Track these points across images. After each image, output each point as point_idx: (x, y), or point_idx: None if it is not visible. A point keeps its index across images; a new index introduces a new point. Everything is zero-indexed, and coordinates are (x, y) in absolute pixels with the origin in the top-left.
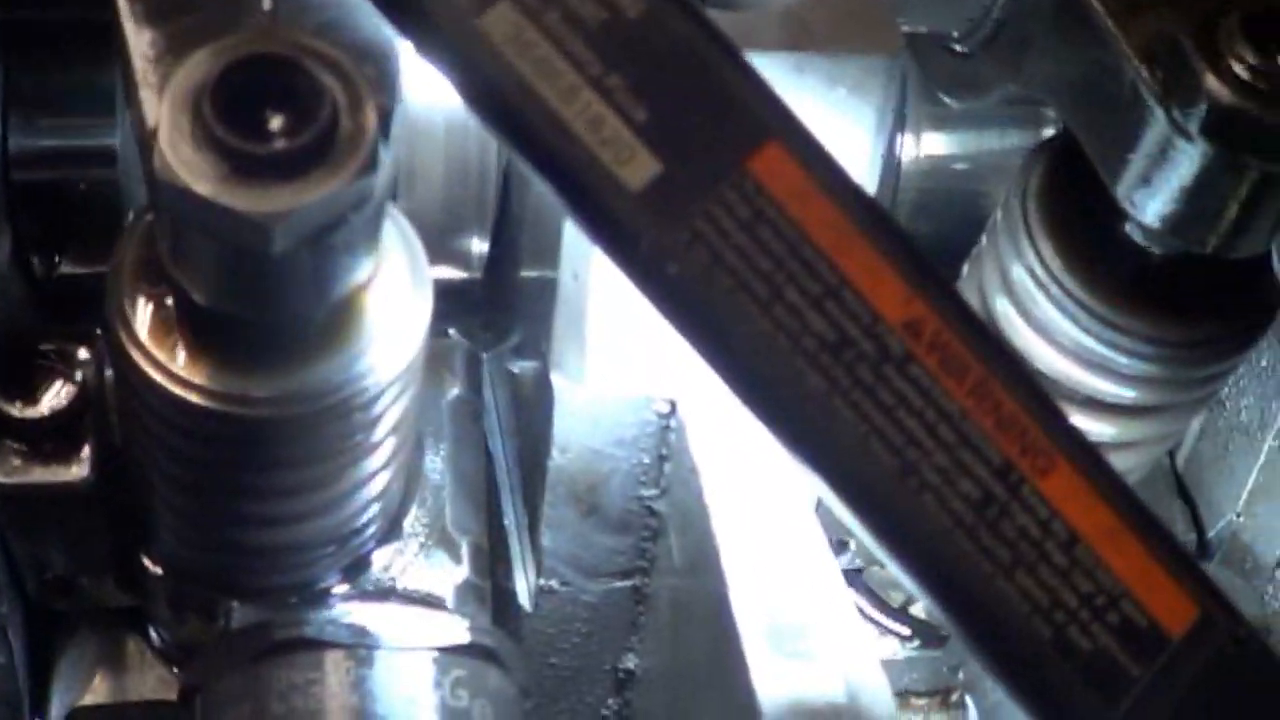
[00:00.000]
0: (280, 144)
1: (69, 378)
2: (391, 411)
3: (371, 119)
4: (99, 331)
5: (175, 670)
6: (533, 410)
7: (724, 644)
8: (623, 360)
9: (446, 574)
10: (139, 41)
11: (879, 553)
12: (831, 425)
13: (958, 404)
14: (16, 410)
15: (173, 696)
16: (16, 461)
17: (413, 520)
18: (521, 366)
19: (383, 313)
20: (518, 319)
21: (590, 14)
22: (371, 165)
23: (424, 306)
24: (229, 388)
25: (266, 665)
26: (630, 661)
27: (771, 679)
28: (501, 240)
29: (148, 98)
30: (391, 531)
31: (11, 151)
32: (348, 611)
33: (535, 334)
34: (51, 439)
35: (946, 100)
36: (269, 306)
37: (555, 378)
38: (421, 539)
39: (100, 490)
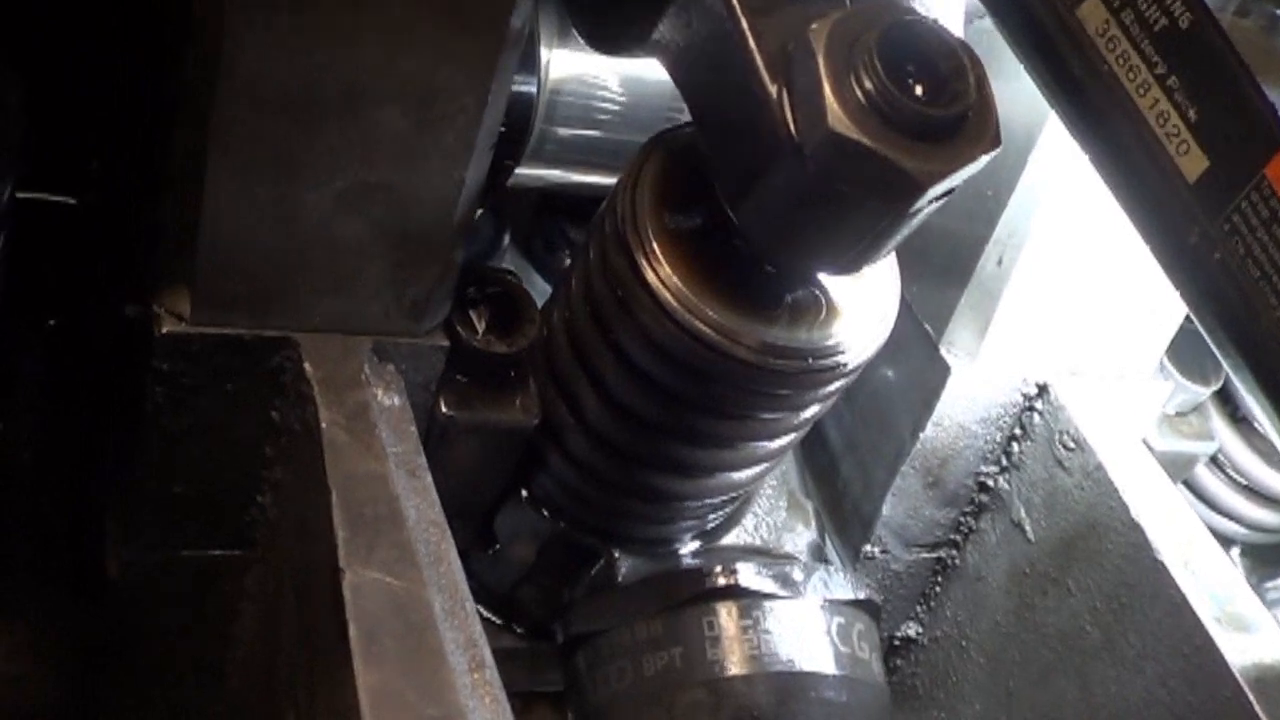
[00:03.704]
0: (935, 110)
1: (534, 319)
2: (840, 389)
3: (994, 99)
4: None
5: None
6: (902, 383)
7: (1168, 609)
8: (1012, 343)
9: (798, 534)
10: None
11: None
12: None
13: None
14: (485, 344)
15: None
16: (468, 397)
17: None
18: None
19: (871, 301)
20: None
21: (1154, 18)
22: (998, 142)
23: (895, 305)
24: (739, 328)
25: (695, 611)
26: (910, 629)
27: (1232, 648)
28: None
29: (755, 50)
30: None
31: None
32: (758, 563)
33: None
34: (504, 377)
35: None
36: (827, 259)
37: (948, 355)
38: (771, 500)
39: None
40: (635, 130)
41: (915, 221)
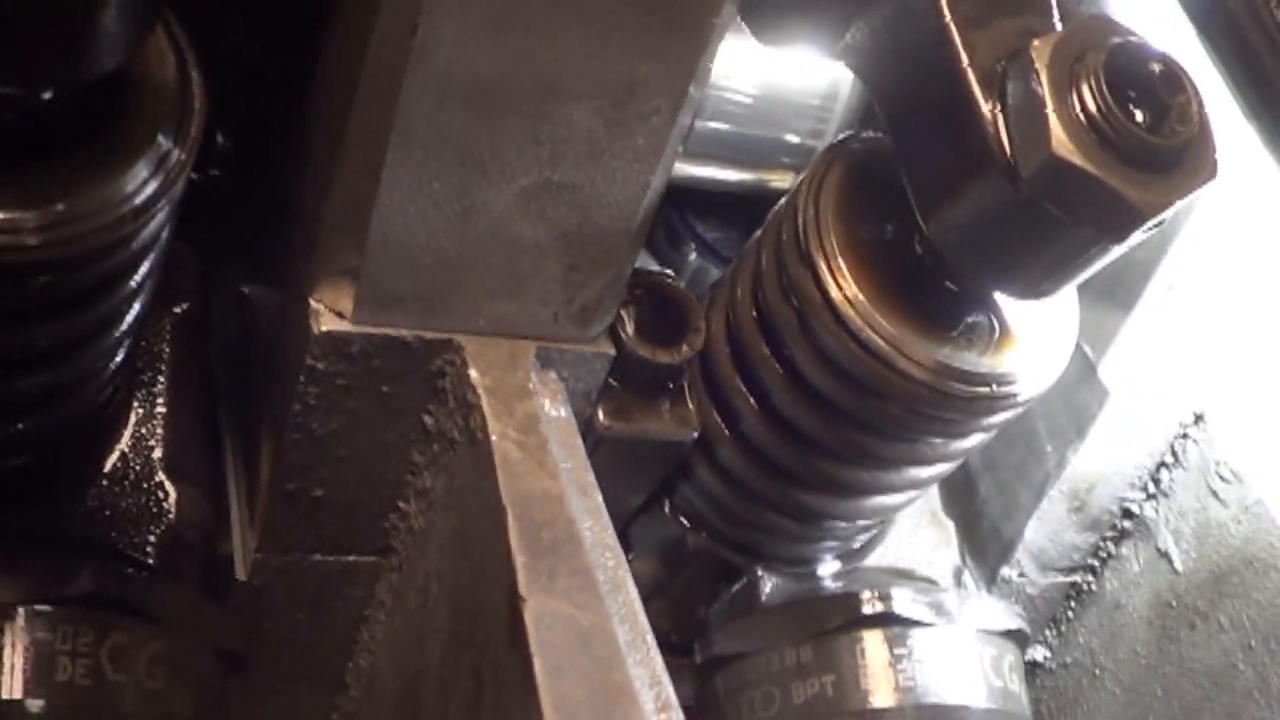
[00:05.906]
0: (1159, 139)
1: (700, 328)
2: (1007, 420)
3: (1213, 130)
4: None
5: None
6: (1054, 405)
7: None
8: (1172, 369)
9: (939, 556)
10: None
11: None
12: None
13: None
14: (650, 353)
15: None
16: (627, 407)
17: None
18: None
19: (1047, 332)
20: None
21: None
22: (1216, 173)
23: (1073, 340)
24: (915, 347)
25: (847, 638)
26: (1038, 654)
27: None
28: None
29: (968, 65)
30: None
31: None
32: (912, 589)
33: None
34: (662, 387)
35: None
36: (1019, 282)
37: (1106, 377)
38: (913, 519)
39: None
40: (773, 127)
41: (1120, 251)
